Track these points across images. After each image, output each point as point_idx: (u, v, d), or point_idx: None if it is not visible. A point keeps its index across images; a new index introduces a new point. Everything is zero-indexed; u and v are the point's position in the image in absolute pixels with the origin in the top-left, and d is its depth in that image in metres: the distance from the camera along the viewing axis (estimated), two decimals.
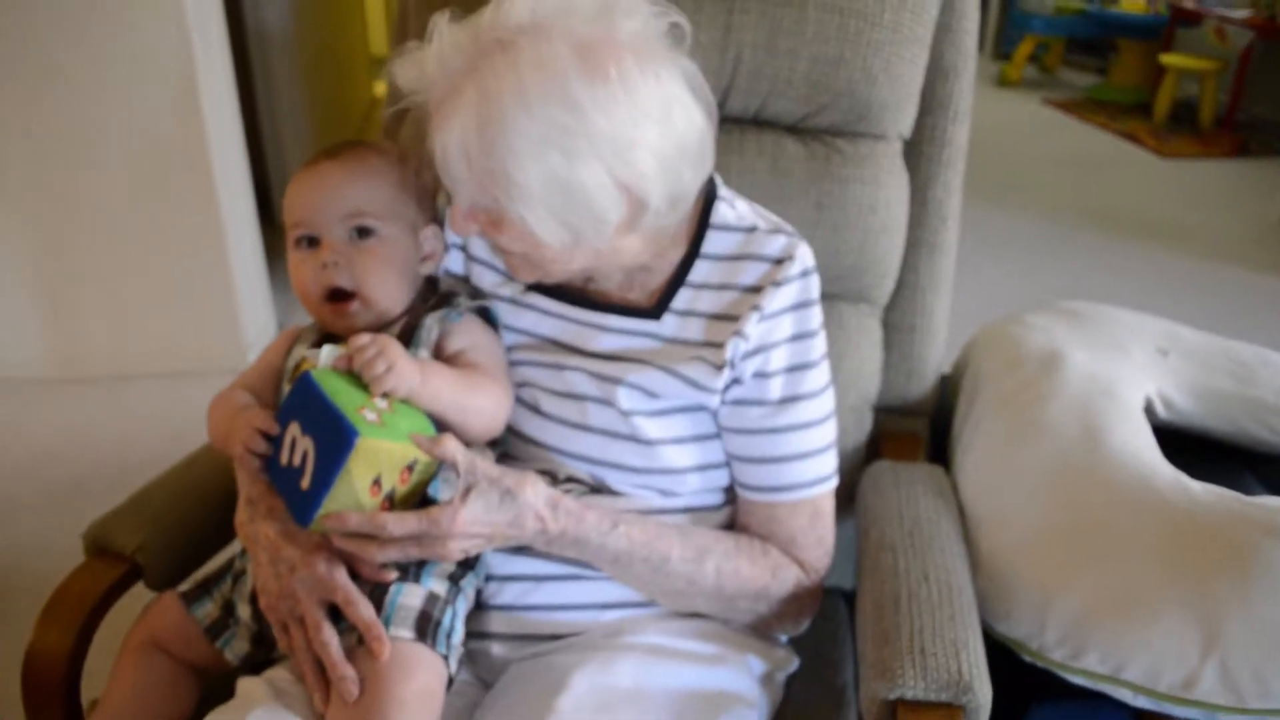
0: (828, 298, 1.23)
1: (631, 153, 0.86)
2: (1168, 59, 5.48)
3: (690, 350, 0.97)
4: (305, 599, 0.88)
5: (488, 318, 1.03)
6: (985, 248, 3.62)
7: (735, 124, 1.26)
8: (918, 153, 1.29)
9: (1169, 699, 0.99)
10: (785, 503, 1.01)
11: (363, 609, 0.86)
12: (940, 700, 0.86)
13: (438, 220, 1.05)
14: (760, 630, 1.04)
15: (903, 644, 0.90)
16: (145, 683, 0.97)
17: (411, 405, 0.88)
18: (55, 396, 2.63)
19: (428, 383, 0.89)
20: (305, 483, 0.83)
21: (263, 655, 0.98)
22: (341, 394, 0.84)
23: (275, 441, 0.88)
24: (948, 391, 1.40)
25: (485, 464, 0.89)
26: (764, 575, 0.99)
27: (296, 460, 0.84)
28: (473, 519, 0.87)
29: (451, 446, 0.87)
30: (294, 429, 0.85)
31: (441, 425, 0.90)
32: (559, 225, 0.88)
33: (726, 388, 0.97)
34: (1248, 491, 1.12)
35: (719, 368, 0.95)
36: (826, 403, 1.01)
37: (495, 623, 0.98)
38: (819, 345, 1.01)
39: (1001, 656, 1.03)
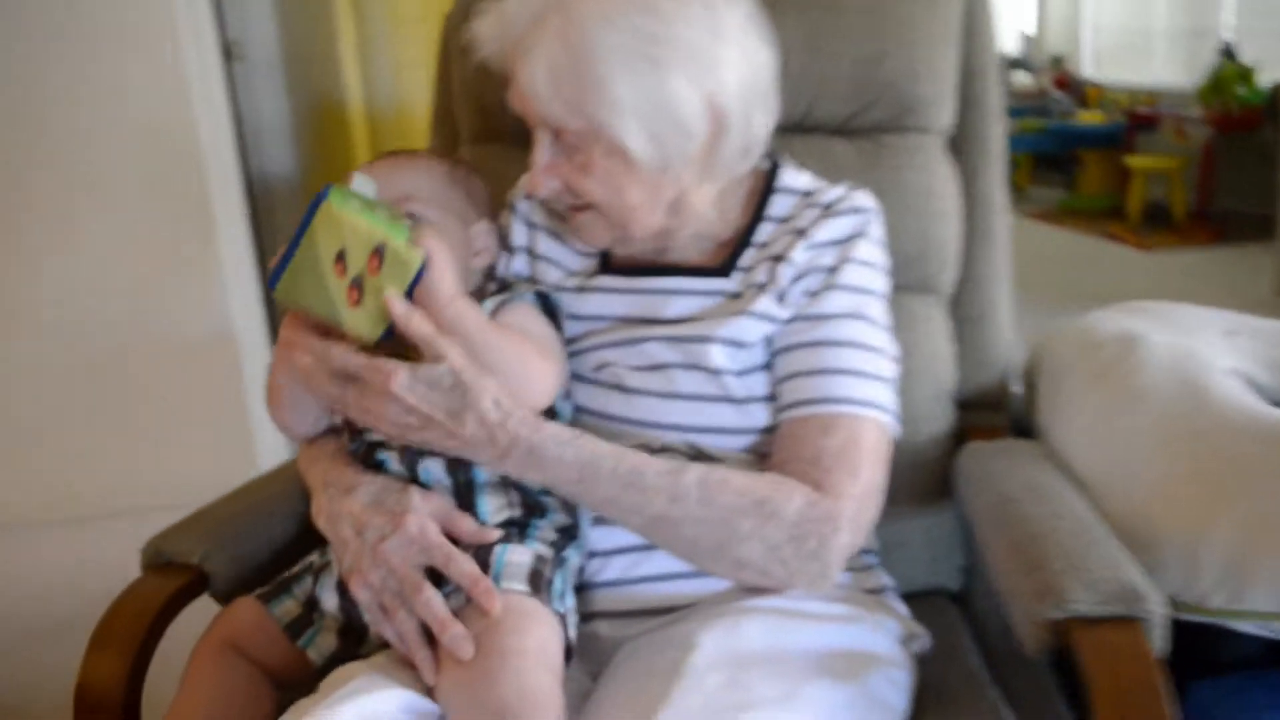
0: (894, 290, 1.22)
1: (715, 65, 0.90)
2: (1133, 161, 5.68)
3: (756, 291, 0.97)
4: (400, 565, 0.83)
5: (548, 307, 1.01)
6: None
7: (781, 130, 1.26)
8: (960, 150, 1.31)
9: None
10: (817, 416, 0.91)
11: (464, 563, 0.82)
12: (1114, 614, 0.79)
13: (503, 240, 1.08)
14: (782, 583, 0.89)
15: (1056, 566, 0.83)
16: (220, 688, 0.89)
17: (398, 281, 0.83)
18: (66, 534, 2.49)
19: (458, 305, 0.85)
20: (281, 250, 0.81)
21: (350, 651, 0.91)
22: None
23: None
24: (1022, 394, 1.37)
25: (459, 352, 0.83)
26: (762, 486, 0.87)
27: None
28: (411, 387, 0.82)
29: (418, 324, 0.82)
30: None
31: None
32: (649, 140, 0.89)
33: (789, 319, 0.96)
34: None
35: (780, 299, 0.95)
36: (881, 336, 0.97)
37: (602, 600, 0.92)
38: (875, 277, 0.99)
39: None
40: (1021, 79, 7.54)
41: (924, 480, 1.20)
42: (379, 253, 0.81)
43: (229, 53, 2.85)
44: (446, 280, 0.85)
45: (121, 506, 2.40)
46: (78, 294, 2.44)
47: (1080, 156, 6.47)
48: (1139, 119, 5.95)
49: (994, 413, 1.29)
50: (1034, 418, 1.30)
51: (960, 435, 1.25)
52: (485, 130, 1.34)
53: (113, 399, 2.52)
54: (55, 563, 2.34)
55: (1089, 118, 6.39)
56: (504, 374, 0.87)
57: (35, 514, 2.51)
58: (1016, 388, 1.38)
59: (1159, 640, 0.79)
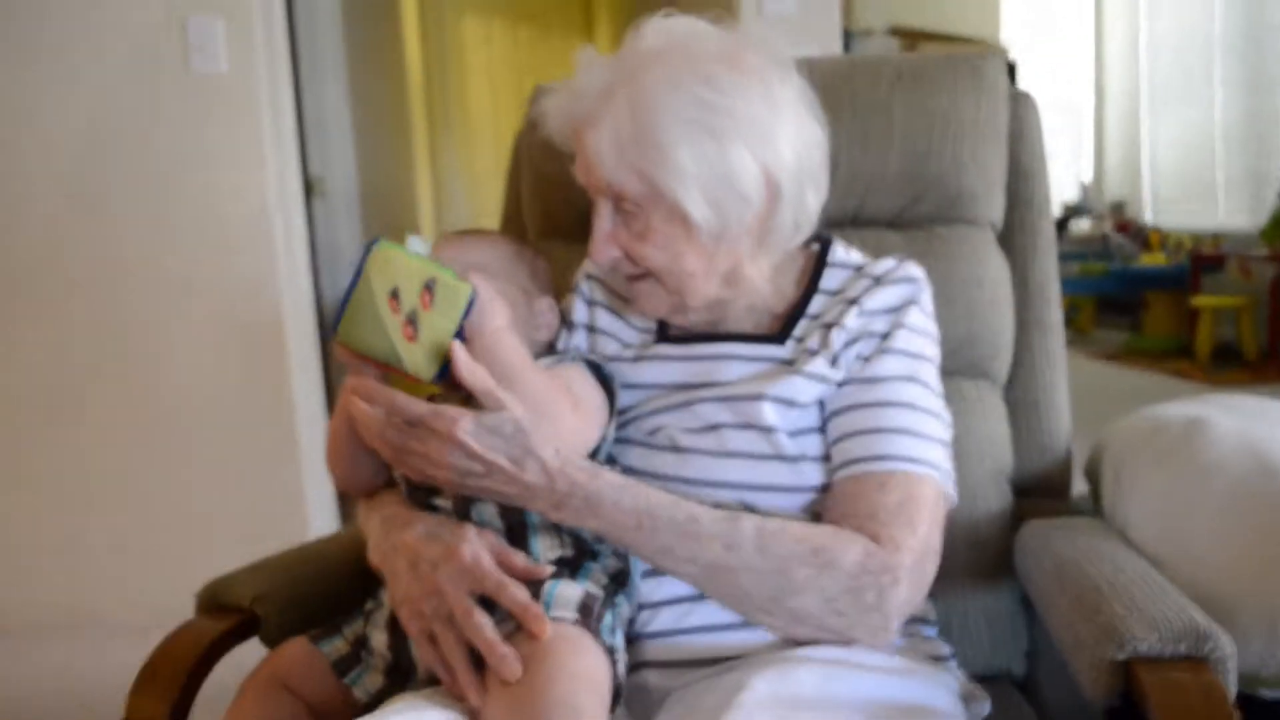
0: (945, 374, 1.23)
1: (771, 138, 0.94)
2: (1200, 300, 5.64)
3: (809, 356, 0.99)
4: (453, 592, 0.84)
5: (601, 377, 1.04)
6: None
7: (835, 224, 1.31)
8: (1012, 243, 1.34)
9: None
10: (873, 474, 0.92)
11: (516, 591, 0.83)
12: (1179, 654, 0.77)
13: (565, 317, 1.12)
14: (840, 636, 0.89)
15: (1119, 610, 0.82)
16: None
17: (450, 312, 0.87)
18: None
19: (504, 337, 0.89)
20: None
21: (397, 691, 0.91)
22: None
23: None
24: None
25: (517, 402, 0.87)
26: (819, 535, 0.88)
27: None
28: (476, 434, 0.84)
29: (483, 377, 0.86)
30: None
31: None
32: (708, 205, 0.93)
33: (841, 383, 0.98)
34: None
35: (833, 363, 0.97)
36: (935, 400, 0.99)
37: (651, 651, 0.92)
38: (927, 344, 1.02)
39: None
40: (1081, 225, 7.60)
41: (983, 558, 1.19)
42: (430, 287, 0.86)
43: (310, 188, 3.02)
44: (494, 312, 0.89)
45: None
46: (152, 397, 2.55)
47: (1145, 298, 6.43)
48: (1204, 259, 5.94)
49: (1055, 499, 1.28)
50: (1098, 507, 1.28)
51: (1020, 518, 1.23)
52: (549, 227, 1.41)
53: (173, 514, 2.59)
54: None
55: (1152, 260, 6.39)
56: (532, 415, 0.89)
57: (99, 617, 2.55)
58: (1080, 486, 1.36)
59: (1230, 682, 0.77)
